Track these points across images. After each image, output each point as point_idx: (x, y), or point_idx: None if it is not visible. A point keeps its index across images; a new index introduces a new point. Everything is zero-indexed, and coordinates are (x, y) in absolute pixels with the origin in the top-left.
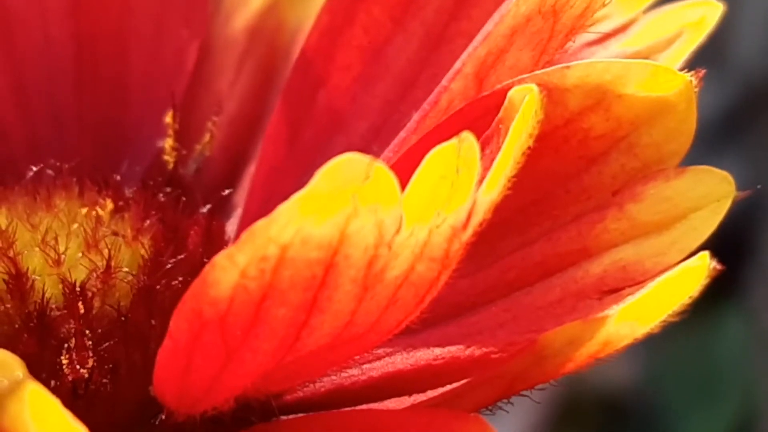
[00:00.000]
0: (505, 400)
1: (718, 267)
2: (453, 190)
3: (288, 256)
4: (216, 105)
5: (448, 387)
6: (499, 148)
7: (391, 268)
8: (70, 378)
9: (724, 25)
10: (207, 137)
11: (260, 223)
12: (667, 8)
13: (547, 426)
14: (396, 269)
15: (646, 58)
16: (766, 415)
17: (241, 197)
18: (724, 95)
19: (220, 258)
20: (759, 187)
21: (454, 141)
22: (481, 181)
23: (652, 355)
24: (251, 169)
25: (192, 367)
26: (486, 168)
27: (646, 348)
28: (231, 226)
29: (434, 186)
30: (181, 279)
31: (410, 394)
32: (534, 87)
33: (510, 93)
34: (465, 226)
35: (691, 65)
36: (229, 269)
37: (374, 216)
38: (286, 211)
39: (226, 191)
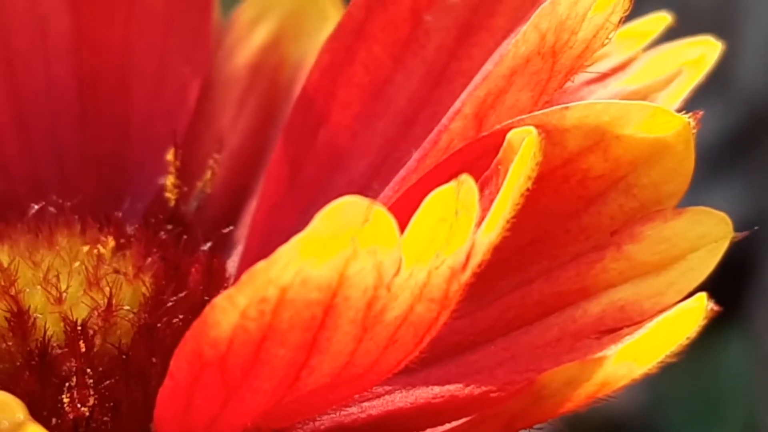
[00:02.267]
0: None
1: (716, 308)
2: (452, 232)
3: (288, 298)
4: (217, 142)
5: (447, 426)
6: (498, 190)
7: (390, 309)
8: (71, 416)
9: (727, 51)
10: (208, 174)
11: (260, 265)
12: (667, 47)
13: None
14: (395, 310)
15: (645, 96)
16: None
17: (242, 234)
18: (727, 120)
19: (221, 299)
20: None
21: (452, 183)
22: (480, 223)
23: (655, 379)
24: (252, 206)
25: (192, 407)
26: (485, 209)
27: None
28: (232, 263)
29: (433, 228)
30: (182, 317)
31: None
32: (533, 129)
33: (509, 135)
34: (464, 267)
35: (694, 91)
36: (230, 310)
37: (373, 258)
38: (286, 252)
39: (227, 229)
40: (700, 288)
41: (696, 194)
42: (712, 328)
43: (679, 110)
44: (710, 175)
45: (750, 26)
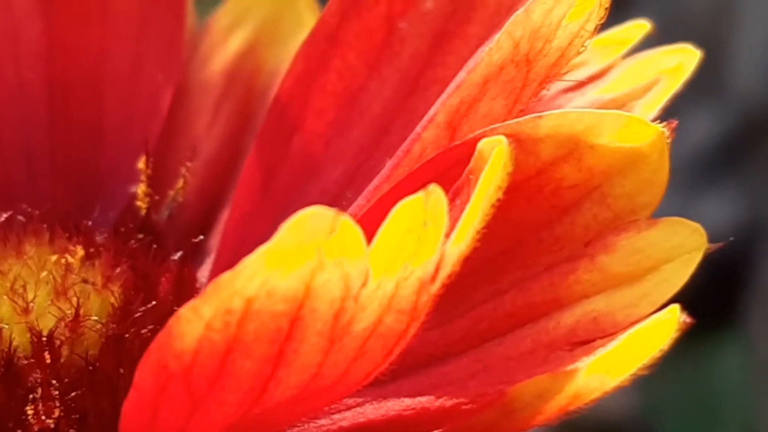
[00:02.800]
0: None
1: (688, 321)
2: (420, 243)
3: (253, 309)
4: (191, 149)
5: None
6: (468, 200)
7: (358, 321)
8: (35, 428)
9: (721, 55)
10: (181, 182)
11: (225, 276)
12: (645, 55)
13: None
14: (363, 322)
15: (622, 105)
16: None
17: (214, 243)
18: (722, 125)
19: (185, 310)
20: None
21: (420, 194)
22: (449, 233)
23: (650, 384)
24: (225, 214)
25: (158, 419)
26: (455, 219)
27: (645, 376)
28: (204, 272)
29: (401, 239)
30: (151, 327)
31: None
32: (503, 139)
33: (479, 144)
34: (433, 278)
35: (689, 94)
36: (194, 322)
37: (340, 269)
38: (251, 263)
39: (199, 237)
40: (694, 293)
41: (690, 198)
42: (707, 333)
43: (656, 119)
44: (705, 179)
45: (744, 31)
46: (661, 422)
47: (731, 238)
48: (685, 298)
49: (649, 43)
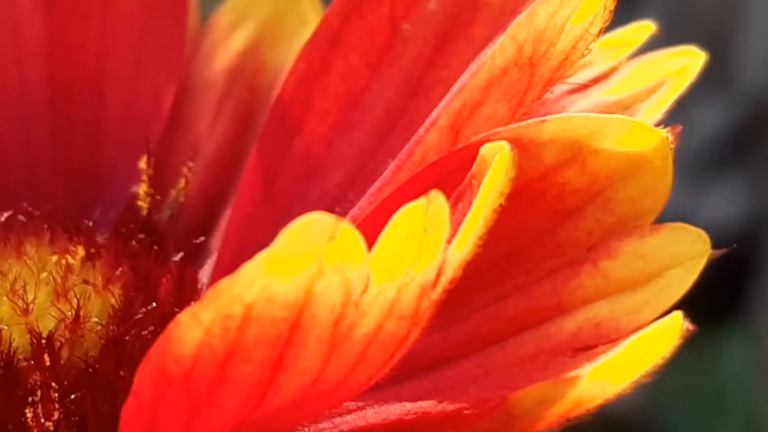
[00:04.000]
0: None
1: (691, 328)
2: (421, 250)
3: (253, 315)
4: (192, 149)
5: None
6: (470, 205)
7: (358, 327)
8: (35, 431)
9: (728, 49)
10: (182, 182)
11: (225, 282)
12: (650, 57)
13: None
14: (364, 328)
15: (627, 107)
16: None
17: (216, 244)
18: (730, 118)
19: (185, 316)
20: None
21: (422, 200)
22: (451, 239)
23: (654, 381)
24: (227, 215)
25: (157, 424)
26: (458, 224)
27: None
28: (205, 273)
29: (402, 245)
30: (151, 329)
31: None
32: (505, 145)
33: (482, 149)
34: (434, 284)
35: (696, 88)
36: (194, 327)
37: (340, 275)
38: (251, 269)
39: (200, 239)
40: (699, 287)
41: (697, 192)
42: (713, 327)
43: (660, 123)
44: (712, 172)
45: (753, 25)
46: (666, 416)
47: (734, 245)
48: (690, 291)
49: (656, 39)
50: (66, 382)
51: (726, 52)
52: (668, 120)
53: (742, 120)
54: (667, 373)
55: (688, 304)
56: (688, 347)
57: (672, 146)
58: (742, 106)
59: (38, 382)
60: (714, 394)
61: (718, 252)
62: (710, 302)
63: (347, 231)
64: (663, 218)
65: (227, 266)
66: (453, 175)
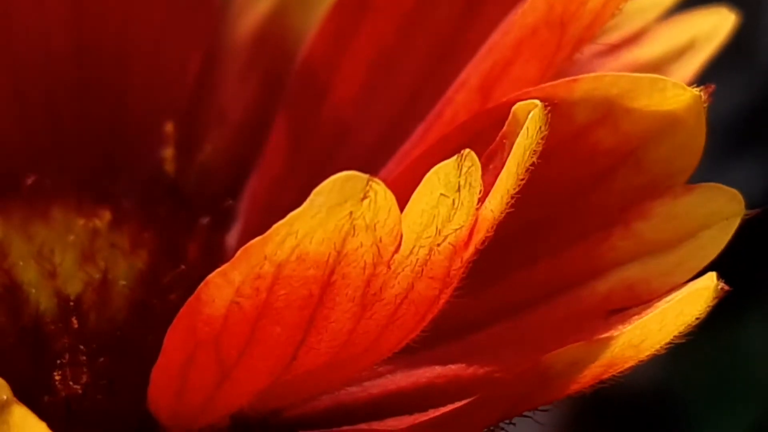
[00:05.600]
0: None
1: (726, 288)
2: (454, 208)
3: (284, 275)
4: (219, 114)
5: (451, 406)
6: (503, 164)
7: (390, 287)
8: (63, 395)
9: (748, 24)
10: (209, 147)
11: (255, 241)
12: (680, 17)
13: (569, 428)
14: (395, 288)
15: (657, 68)
16: None
17: (243, 207)
18: (748, 94)
19: (215, 276)
20: None
21: (455, 158)
22: (483, 198)
23: (674, 357)
24: (255, 179)
25: (187, 386)
26: (489, 183)
27: (669, 350)
28: (232, 238)
29: (434, 204)
30: (179, 293)
31: (411, 413)
32: (538, 102)
33: (514, 108)
34: (467, 244)
35: (715, 65)
36: (224, 287)
37: (372, 234)
38: (282, 228)
39: (228, 202)
40: (720, 266)
41: (716, 168)
42: (733, 307)
43: (691, 83)
44: (731, 149)
45: None
46: (686, 392)
47: (764, 208)
48: (710, 268)
49: (684, 5)
50: (94, 346)
51: (746, 27)
52: None
53: (758, 99)
54: (686, 351)
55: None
56: (707, 325)
57: (705, 105)
58: (760, 85)
59: (66, 345)
60: (733, 373)
61: (751, 212)
62: (729, 280)
63: (380, 189)
64: None
65: (254, 230)
66: (483, 135)
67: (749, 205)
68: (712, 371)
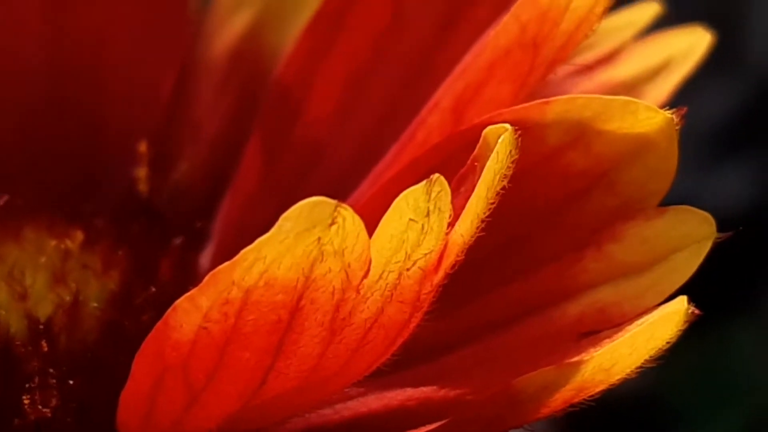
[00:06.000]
0: None
1: (696, 312)
2: (423, 233)
3: (252, 300)
4: (193, 132)
5: (422, 429)
6: (473, 187)
7: (359, 312)
8: (32, 418)
9: (737, 30)
10: (183, 166)
11: (223, 266)
12: (655, 37)
13: (557, 431)
14: (365, 312)
15: (632, 88)
16: None
17: (217, 228)
18: (738, 99)
19: (183, 301)
20: None
21: (424, 183)
22: (453, 222)
23: (663, 363)
24: (228, 199)
25: (155, 410)
26: (460, 207)
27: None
28: (205, 258)
29: (403, 229)
30: (151, 314)
31: None
32: (508, 126)
33: (485, 131)
34: (436, 268)
35: (704, 70)
36: (192, 312)
37: (340, 260)
38: (250, 253)
39: (201, 222)
40: (709, 269)
41: (706, 175)
42: (723, 311)
43: (666, 104)
44: (721, 155)
45: (762, 3)
46: (674, 399)
47: (740, 228)
48: (699, 275)
49: (662, 19)
50: (64, 368)
51: (733, 33)
52: (674, 102)
53: (749, 103)
54: (675, 358)
55: (696, 287)
56: (696, 332)
57: (677, 128)
58: (750, 88)
59: (36, 368)
60: (722, 379)
61: (724, 235)
62: (718, 286)
63: (348, 214)
64: (668, 203)
65: (228, 250)
66: (455, 157)
67: (735, 214)
68: (701, 376)
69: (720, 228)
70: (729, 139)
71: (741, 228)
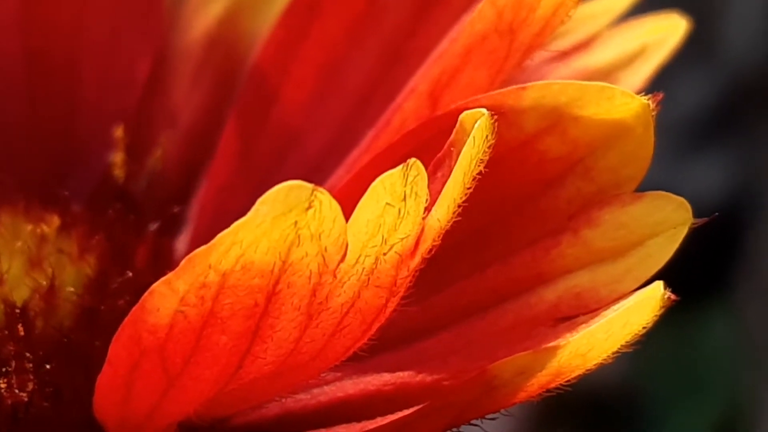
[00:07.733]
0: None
1: (673, 297)
2: (399, 218)
3: (229, 284)
4: (169, 118)
5: (399, 414)
6: (450, 172)
7: (336, 296)
8: (9, 402)
9: (713, 19)
10: (159, 151)
11: (200, 250)
12: (630, 24)
13: (533, 423)
14: (341, 297)
15: (607, 75)
16: (750, 411)
17: (193, 213)
18: (713, 90)
19: (159, 285)
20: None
21: (400, 167)
22: (430, 207)
23: (637, 351)
24: (204, 184)
25: (132, 394)
26: (437, 192)
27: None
28: (182, 243)
29: (380, 213)
30: (127, 299)
31: (360, 420)
32: (485, 111)
33: (461, 116)
34: (413, 253)
35: (680, 58)
36: (169, 296)
37: (317, 244)
38: (227, 237)
39: (177, 208)
40: (682, 259)
41: (682, 165)
42: (695, 301)
43: (644, 89)
44: (696, 144)
45: None
46: (648, 388)
47: (716, 213)
48: (673, 264)
49: (638, 6)
50: (40, 353)
51: (709, 23)
52: (650, 91)
53: (724, 92)
54: (649, 346)
55: (670, 276)
56: (670, 320)
57: (653, 114)
58: (725, 78)
59: (12, 353)
60: (696, 368)
61: (700, 221)
62: (692, 275)
63: (325, 198)
64: (643, 191)
65: (204, 235)
66: (432, 143)
67: (711, 200)
68: (676, 366)
69: (696, 218)
70: (704, 128)
71: (716, 214)
